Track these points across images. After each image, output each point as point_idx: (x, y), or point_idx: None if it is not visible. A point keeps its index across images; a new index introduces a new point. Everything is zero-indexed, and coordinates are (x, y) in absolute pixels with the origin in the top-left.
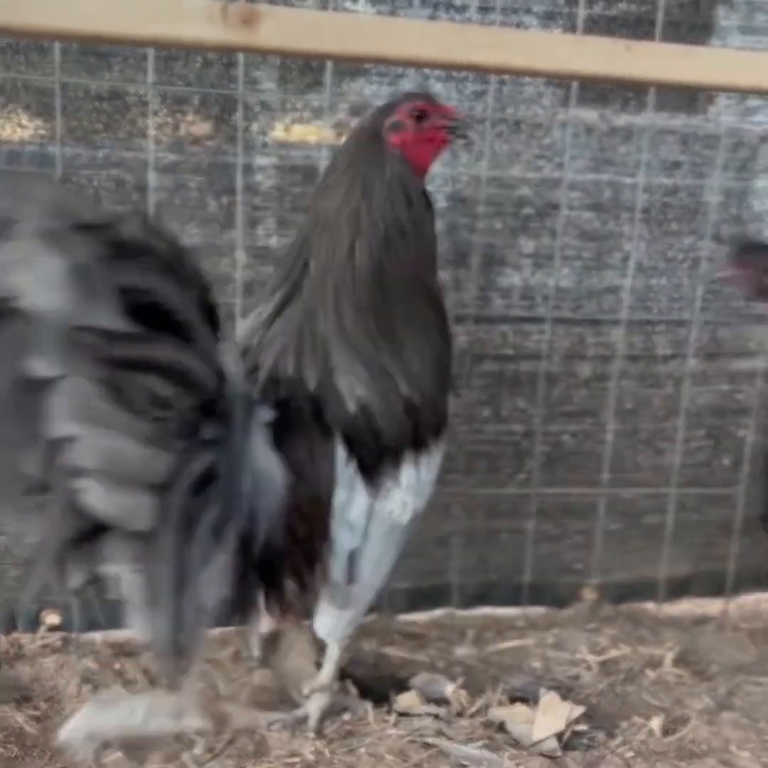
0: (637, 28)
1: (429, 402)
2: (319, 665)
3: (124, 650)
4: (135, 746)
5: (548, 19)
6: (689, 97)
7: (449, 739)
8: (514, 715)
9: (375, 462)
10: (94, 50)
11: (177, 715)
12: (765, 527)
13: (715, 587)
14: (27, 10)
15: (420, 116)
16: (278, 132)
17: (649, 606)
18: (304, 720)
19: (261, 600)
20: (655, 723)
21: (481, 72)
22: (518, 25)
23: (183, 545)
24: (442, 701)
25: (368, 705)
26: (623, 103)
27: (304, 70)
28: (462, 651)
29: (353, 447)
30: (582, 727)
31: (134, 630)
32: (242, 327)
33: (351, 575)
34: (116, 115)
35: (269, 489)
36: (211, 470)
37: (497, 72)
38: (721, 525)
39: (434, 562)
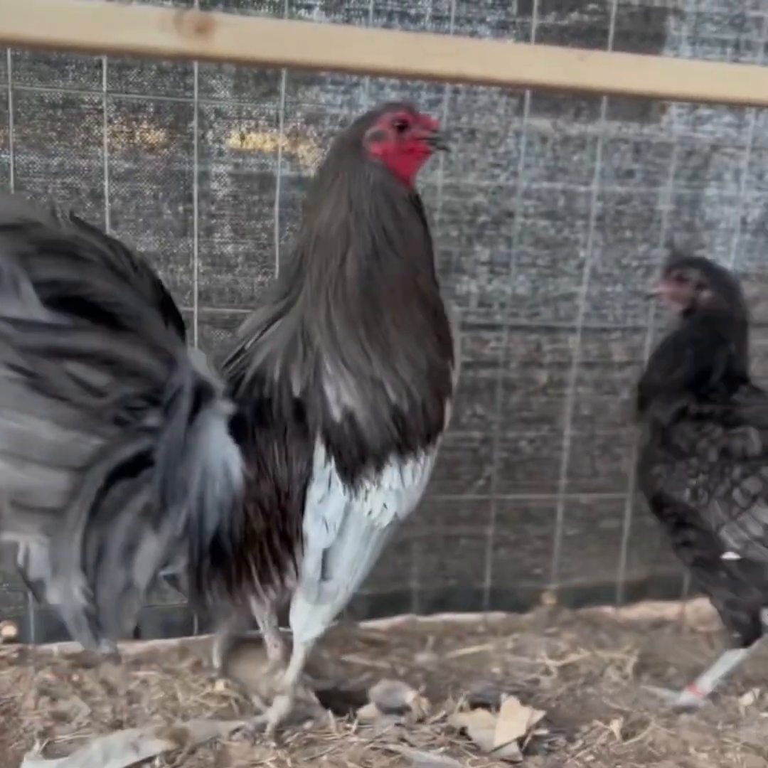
0: (590, 38)
1: (419, 409)
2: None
3: (81, 661)
4: None
5: (501, 28)
6: (642, 106)
7: (411, 745)
8: (475, 721)
9: (356, 463)
10: (46, 58)
11: (134, 746)
12: (655, 513)
13: (672, 591)
14: None
15: (401, 126)
16: (234, 140)
17: (608, 610)
18: (263, 727)
19: (219, 588)
20: (615, 726)
21: (436, 81)
22: (472, 35)
23: (99, 525)
24: (404, 708)
25: (329, 713)
26: (576, 113)
27: (259, 78)
28: (423, 657)
29: (334, 448)
30: (543, 731)
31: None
32: (240, 329)
33: (325, 572)
34: (70, 123)
35: (222, 480)
36: (145, 456)
37: (452, 81)
38: None
39: (395, 568)
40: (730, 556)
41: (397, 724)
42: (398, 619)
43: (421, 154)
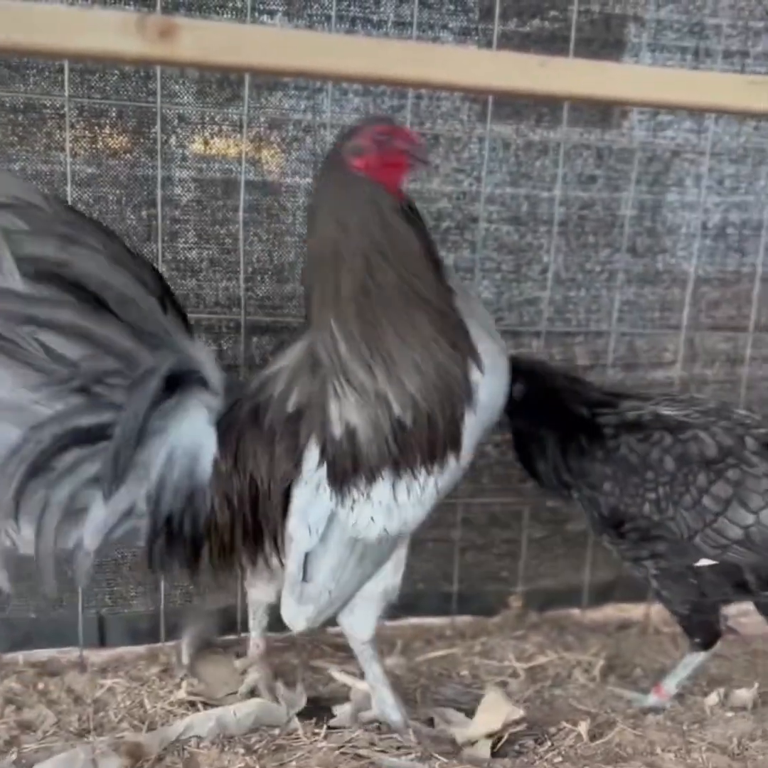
0: (551, 44)
1: (424, 421)
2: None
3: (47, 670)
4: None
5: (463, 35)
6: (603, 112)
7: (381, 750)
8: (448, 715)
9: (346, 473)
10: (7, 62)
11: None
12: (605, 531)
13: (638, 592)
14: None
15: (381, 140)
16: (197, 145)
17: (574, 612)
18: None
19: (174, 568)
20: (583, 727)
21: (399, 86)
22: (434, 41)
23: (43, 482)
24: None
25: (296, 719)
26: (538, 119)
27: (223, 83)
28: (391, 661)
29: (329, 457)
30: (519, 728)
31: None
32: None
33: (306, 574)
34: (32, 127)
35: (187, 467)
36: (105, 429)
37: (416, 86)
38: None
39: None
40: (704, 563)
41: (368, 730)
42: None
43: (403, 167)
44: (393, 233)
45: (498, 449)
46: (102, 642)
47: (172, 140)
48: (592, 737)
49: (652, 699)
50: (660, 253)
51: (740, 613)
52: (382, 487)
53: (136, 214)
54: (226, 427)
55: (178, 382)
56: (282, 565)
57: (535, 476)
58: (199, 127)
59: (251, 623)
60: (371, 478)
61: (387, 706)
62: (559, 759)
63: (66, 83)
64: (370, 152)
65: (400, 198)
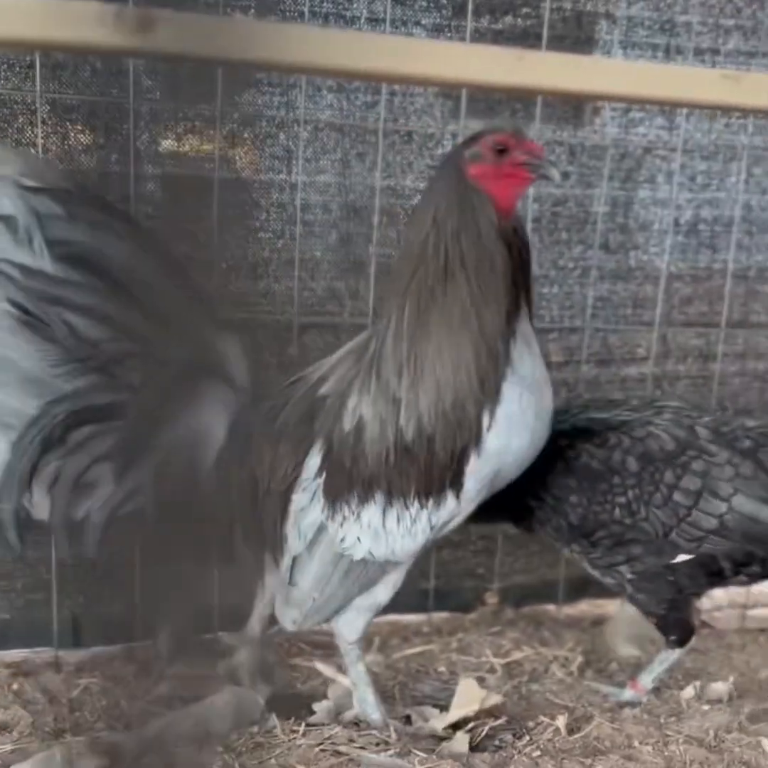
0: (524, 41)
1: (422, 445)
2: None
3: (22, 670)
4: None
5: (436, 31)
6: (575, 109)
7: (360, 747)
8: (424, 712)
9: (341, 487)
10: None
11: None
12: (574, 541)
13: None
14: None
15: (501, 150)
16: (170, 141)
17: (550, 608)
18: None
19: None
20: (560, 722)
21: (376, 80)
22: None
23: (58, 454)
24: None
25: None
26: (512, 115)
27: (196, 79)
28: (369, 658)
29: (329, 462)
30: (497, 722)
31: None
32: None
33: (292, 577)
34: (3, 123)
35: (191, 454)
36: (115, 409)
37: (391, 81)
38: None
39: None
40: (681, 558)
41: (347, 727)
42: None
43: (521, 180)
44: (481, 248)
45: None
46: (77, 642)
47: (145, 136)
48: (570, 731)
49: (628, 693)
50: (632, 249)
51: (714, 607)
52: (373, 510)
53: None
54: (241, 419)
55: (197, 371)
56: (277, 563)
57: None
58: (171, 123)
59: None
60: (364, 498)
61: (367, 705)
62: (538, 753)
63: (37, 78)
64: (487, 161)
65: (506, 215)
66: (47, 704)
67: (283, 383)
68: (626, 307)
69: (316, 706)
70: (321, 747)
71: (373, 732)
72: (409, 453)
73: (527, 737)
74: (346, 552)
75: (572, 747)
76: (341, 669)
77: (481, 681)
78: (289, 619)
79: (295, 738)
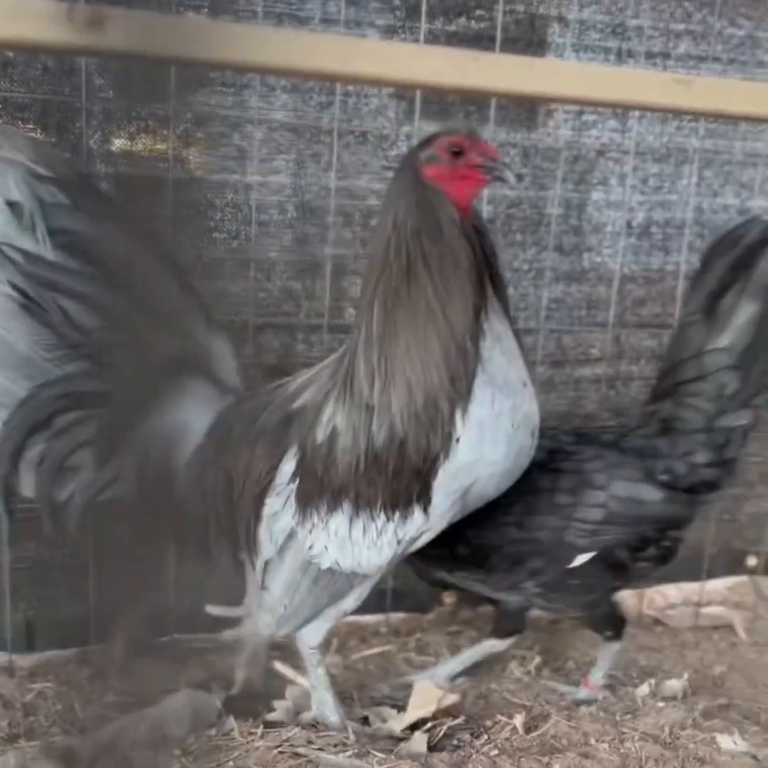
0: (477, 43)
1: (394, 449)
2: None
3: None
4: None
5: (390, 32)
6: (529, 111)
7: (319, 748)
8: (382, 713)
9: (312, 493)
10: None
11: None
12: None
13: None
14: None
15: (456, 152)
16: (123, 141)
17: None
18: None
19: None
20: (518, 720)
21: (330, 81)
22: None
23: (44, 436)
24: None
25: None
26: (465, 117)
27: (149, 78)
28: (327, 660)
29: (303, 469)
30: (456, 722)
31: None
32: None
33: (264, 581)
34: None
35: (166, 447)
36: (100, 397)
37: (346, 81)
38: None
39: None
40: (581, 558)
41: (305, 728)
42: None
43: (476, 182)
44: (443, 246)
45: None
46: (30, 646)
47: (97, 136)
48: (528, 730)
49: (583, 692)
50: (586, 251)
51: (668, 605)
52: (340, 519)
53: None
54: (223, 418)
55: (182, 366)
56: (253, 566)
57: None
58: (124, 122)
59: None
60: (332, 506)
61: (326, 708)
62: (496, 752)
63: None
64: (442, 163)
65: (465, 213)
66: (1, 709)
67: (266, 388)
68: (580, 309)
69: (275, 704)
70: (279, 749)
71: (332, 733)
72: (379, 460)
73: (485, 736)
74: (314, 560)
75: (530, 745)
76: (300, 669)
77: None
78: (263, 624)
79: (252, 740)
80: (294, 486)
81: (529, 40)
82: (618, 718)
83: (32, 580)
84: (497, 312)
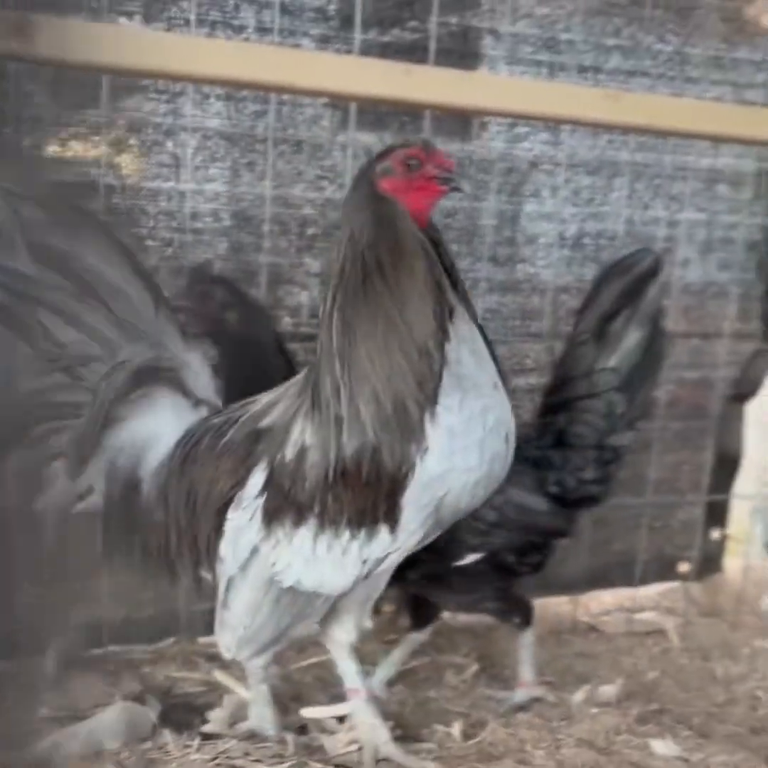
0: (411, 54)
1: (368, 455)
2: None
3: None
4: None
5: (324, 42)
6: (463, 123)
7: (256, 760)
8: (320, 723)
9: (278, 507)
10: None
11: None
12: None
13: None
14: None
15: (411, 164)
16: (54, 147)
17: (445, 615)
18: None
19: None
20: (456, 728)
21: (264, 91)
22: (295, 48)
23: (22, 446)
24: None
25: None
26: (400, 128)
27: (80, 84)
28: None
29: (271, 485)
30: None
31: None
32: None
33: (226, 599)
34: None
35: (133, 459)
36: (73, 408)
37: (280, 91)
38: None
39: None
40: (472, 557)
41: (241, 740)
42: None
43: (432, 193)
44: (401, 259)
45: None
46: None
47: (27, 142)
48: (466, 737)
49: (519, 694)
50: (520, 262)
51: (603, 611)
52: (304, 534)
53: None
54: (192, 431)
55: (152, 377)
56: (215, 582)
57: None
58: (55, 128)
59: None
60: (297, 521)
61: (265, 721)
62: (434, 759)
63: None
64: (398, 175)
65: (421, 224)
66: None
67: (234, 404)
68: (514, 319)
69: (210, 715)
70: (215, 761)
71: (269, 744)
72: (348, 474)
73: (423, 745)
74: (276, 577)
75: (467, 753)
76: (240, 680)
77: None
78: (224, 645)
79: (188, 753)
80: (261, 500)
81: (462, 52)
82: (554, 724)
83: None
84: (462, 316)
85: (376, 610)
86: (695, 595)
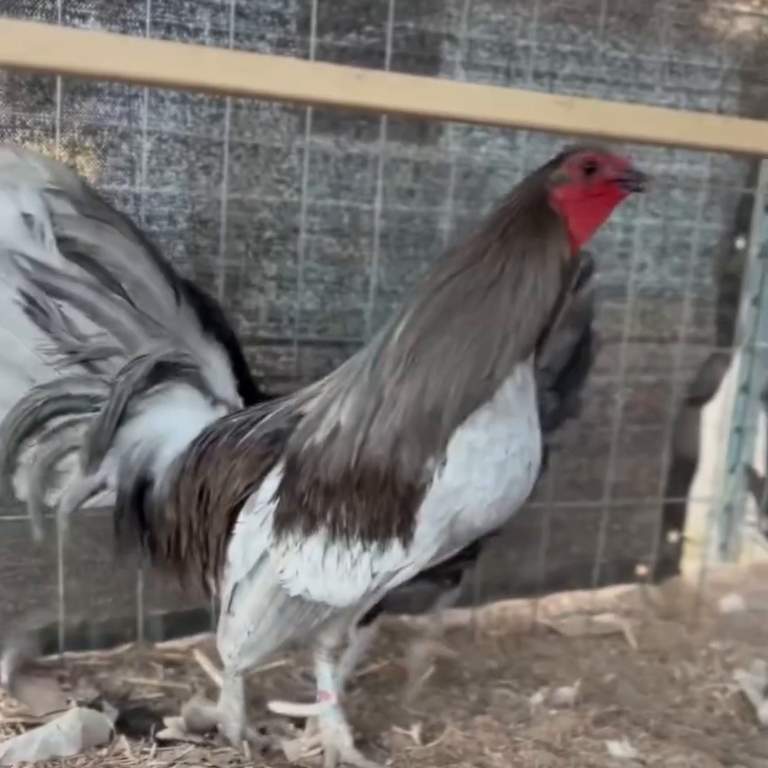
0: (367, 59)
1: (388, 451)
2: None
3: None
4: None
5: (281, 46)
6: (420, 127)
7: (213, 766)
8: (280, 727)
9: (289, 513)
10: None
11: None
12: None
13: (464, 598)
14: None
15: (589, 169)
16: None
17: (404, 619)
18: None
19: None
20: (415, 732)
21: (217, 94)
22: (251, 51)
23: (37, 438)
24: (212, 729)
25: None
26: (357, 131)
27: (34, 86)
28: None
29: (285, 486)
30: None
31: None
32: None
33: (230, 605)
34: None
35: (147, 455)
36: (91, 401)
37: (233, 95)
38: None
39: None
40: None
41: (199, 746)
42: (198, 637)
43: (613, 198)
44: (541, 279)
45: None
46: None
47: None
48: (425, 741)
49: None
50: None
51: (561, 614)
52: (314, 543)
53: None
54: (210, 429)
55: (171, 373)
56: (219, 587)
57: None
58: (9, 131)
59: None
60: (309, 528)
61: (232, 713)
62: (392, 763)
63: None
64: (575, 183)
65: (575, 250)
66: None
67: (255, 405)
68: None
69: (167, 722)
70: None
71: (227, 750)
72: (367, 472)
73: (382, 748)
74: (284, 584)
75: (426, 756)
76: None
77: None
78: (225, 653)
79: (145, 759)
80: (274, 505)
81: (419, 56)
82: (512, 726)
83: None
84: (530, 363)
85: None
86: (653, 597)
